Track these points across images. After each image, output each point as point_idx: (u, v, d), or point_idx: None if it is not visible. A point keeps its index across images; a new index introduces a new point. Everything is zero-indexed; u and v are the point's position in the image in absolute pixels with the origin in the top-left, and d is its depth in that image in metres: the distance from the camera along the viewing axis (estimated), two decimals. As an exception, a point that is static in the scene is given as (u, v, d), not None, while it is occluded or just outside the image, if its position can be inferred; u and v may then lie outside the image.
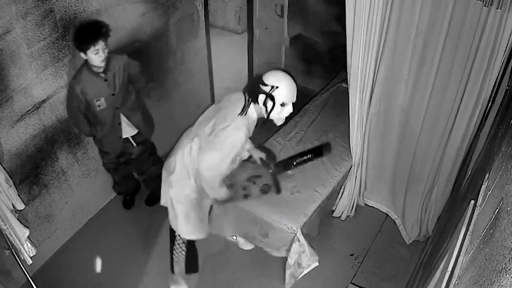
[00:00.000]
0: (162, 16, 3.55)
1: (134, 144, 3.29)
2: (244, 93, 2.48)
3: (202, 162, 2.42)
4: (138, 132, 3.26)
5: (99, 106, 2.89)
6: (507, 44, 2.40)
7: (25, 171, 2.92)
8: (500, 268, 0.96)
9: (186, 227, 2.77)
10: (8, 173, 2.54)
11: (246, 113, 2.44)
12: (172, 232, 2.88)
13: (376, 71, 2.93)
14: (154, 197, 3.56)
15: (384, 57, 2.89)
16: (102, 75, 2.84)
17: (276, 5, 4.05)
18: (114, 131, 3.10)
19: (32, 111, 2.82)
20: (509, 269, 0.90)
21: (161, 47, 3.66)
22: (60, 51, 2.85)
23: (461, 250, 1.51)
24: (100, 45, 2.68)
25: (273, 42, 4.34)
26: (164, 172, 2.77)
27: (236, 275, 3.25)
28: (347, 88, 3.03)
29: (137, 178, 3.70)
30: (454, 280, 1.42)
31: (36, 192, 3.05)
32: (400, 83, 2.97)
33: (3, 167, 2.49)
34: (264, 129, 4.32)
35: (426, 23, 2.65)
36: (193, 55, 4.07)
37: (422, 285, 2.32)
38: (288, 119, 3.38)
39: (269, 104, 2.41)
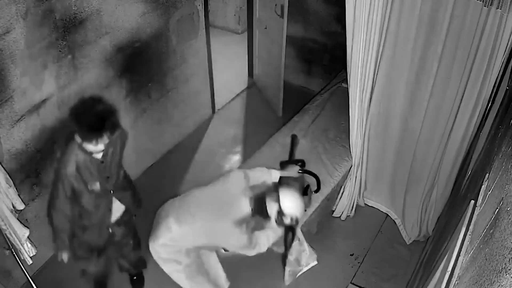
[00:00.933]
0: (162, 16, 3.55)
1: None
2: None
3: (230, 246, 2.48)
4: (124, 211, 2.75)
5: (92, 191, 2.41)
6: (507, 44, 2.40)
7: (25, 171, 2.92)
8: (500, 268, 0.96)
9: None
10: (8, 173, 2.53)
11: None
12: None
13: (376, 71, 2.93)
14: (139, 278, 3.22)
15: (384, 57, 2.89)
16: (98, 156, 2.35)
17: (276, 5, 4.05)
18: (103, 219, 2.59)
19: (32, 111, 2.82)
20: (509, 269, 0.90)
21: (161, 47, 3.66)
22: (60, 51, 2.84)
23: (461, 250, 1.51)
24: (104, 141, 2.21)
25: (273, 42, 4.34)
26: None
27: (238, 272, 3.25)
28: (347, 88, 3.03)
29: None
30: (454, 280, 1.42)
31: (36, 192, 3.05)
32: (400, 83, 2.97)
33: (3, 167, 2.49)
34: (264, 129, 4.34)
35: (426, 23, 2.65)
36: (193, 55, 4.07)
37: (422, 285, 2.32)
38: (288, 119, 3.40)
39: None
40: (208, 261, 2.77)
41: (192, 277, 2.62)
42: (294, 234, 2.80)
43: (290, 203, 2.34)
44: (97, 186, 2.40)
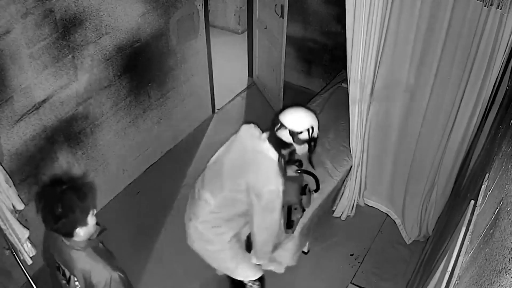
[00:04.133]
0: (162, 16, 3.55)
1: None
2: (270, 144, 2.22)
3: (261, 231, 2.30)
4: None
5: None
6: (507, 44, 2.40)
7: (25, 171, 2.92)
8: (500, 268, 0.96)
9: (248, 268, 2.56)
10: (8, 173, 2.53)
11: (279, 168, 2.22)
12: (236, 283, 2.65)
13: (376, 71, 2.93)
14: None
15: (384, 57, 2.89)
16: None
17: (276, 5, 4.05)
18: None
19: (32, 111, 2.82)
20: (509, 269, 0.90)
21: (161, 47, 3.66)
22: (60, 51, 2.85)
23: (461, 250, 1.51)
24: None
25: (273, 42, 4.34)
26: (193, 233, 2.55)
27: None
28: (347, 88, 3.03)
29: None
30: (454, 280, 1.42)
31: (36, 192, 3.05)
32: (400, 83, 2.97)
33: (3, 167, 2.49)
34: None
35: (426, 23, 2.65)
36: (193, 55, 4.08)
37: (422, 285, 2.32)
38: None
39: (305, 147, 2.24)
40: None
41: (237, 254, 2.53)
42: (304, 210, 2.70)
43: (295, 117, 2.20)
44: None
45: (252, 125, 2.40)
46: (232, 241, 2.47)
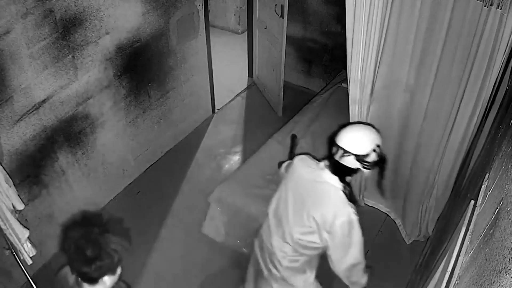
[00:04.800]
0: (162, 16, 3.55)
1: None
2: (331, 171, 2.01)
3: (342, 264, 2.05)
4: None
5: None
6: (507, 44, 2.40)
7: (25, 171, 2.92)
8: (500, 268, 0.96)
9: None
10: (8, 173, 2.53)
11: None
12: None
13: (376, 71, 2.93)
14: None
15: (384, 57, 2.89)
16: None
17: (276, 5, 4.05)
18: None
19: (32, 111, 2.82)
20: (509, 269, 0.90)
21: (161, 47, 3.66)
22: (60, 51, 2.85)
23: (461, 250, 1.51)
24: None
25: (273, 42, 4.34)
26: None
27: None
28: (347, 88, 3.03)
29: None
30: (454, 280, 1.42)
31: (36, 192, 3.05)
32: (400, 83, 2.97)
33: (3, 167, 2.49)
34: (264, 129, 4.34)
35: (426, 23, 2.65)
36: (193, 55, 4.08)
37: (422, 285, 2.32)
38: (288, 119, 3.38)
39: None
40: None
41: None
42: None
43: (356, 139, 1.96)
44: None
45: (304, 156, 2.21)
46: (314, 282, 2.33)
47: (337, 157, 1.95)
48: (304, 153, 2.27)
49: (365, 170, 1.96)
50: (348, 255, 2.01)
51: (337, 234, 1.96)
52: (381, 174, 2.06)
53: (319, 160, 2.12)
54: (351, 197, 2.00)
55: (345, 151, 1.92)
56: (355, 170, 1.96)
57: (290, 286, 2.29)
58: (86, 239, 1.56)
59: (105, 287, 1.67)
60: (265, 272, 2.34)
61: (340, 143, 1.95)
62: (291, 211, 2.11)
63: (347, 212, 1.94)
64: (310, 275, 2.30)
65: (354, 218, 1.94)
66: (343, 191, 1.99)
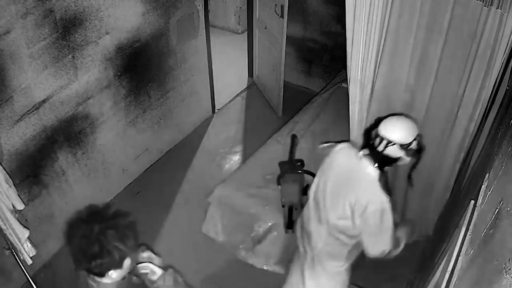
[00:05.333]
0: (162, 16, 3.55)
1: None
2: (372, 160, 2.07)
3: (373, 250, 2.16)
4: None
5: None
6: (507, 44, 2.40)
7: (25, 171, 2.92)
8: (500, 268, 0.96)
9: None
10: (8, 173, 2.53)
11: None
12: None
13: (376, 71, 2.93)
14: None
15: (384, 57, 2.89)
16: None
17: (276, 5, 4.05)
18: None
19: (32, 111, 2.82)
20: (509, 269, 0.90)
21: (161, 47, 3.66)
22: (60, 51, 2.85)
23: (461, 250, 1.51)
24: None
25: (273, 42, 4.34)
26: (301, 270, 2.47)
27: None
28: (347, 88, 3.03)
29: None
30: (454, 280, 1.42)
31: (36, 192, 3.05)
32: (400, 83, 2.97)
33: (3, 167, 2.49)
34: (264, 129, 4.34)
35: (426, 23, 2.65)
36: (193, 55, 4.08)
37: (422, 285, 2.32)
38: (288, 119, 3.37)
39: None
40: None
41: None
42: None
43: (400, 129, 2.02)
44: None
45: (345, 144, 2.27)
46: (345, 273, 2.42)
47: (380, 148, 2.01)
48: (345, 141, 2.35)
49: (406, 159, 2.04)
50: (380, 242, 2.11)
51: (369, 221, 2.04)
52: (415, 164, 2.14)
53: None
54: (386, 186, 2.07)
55: (389, 141, 1.99)
56: (396, 160, 2.04)
57: (320, 270, 2.38)
58: (88, 237, 1.56)
59: (112, 280, 1.67)
60: (301, 251, 2.45)
61: (384, 133, 2.01)
62: (329, 196, 2.19)
63: (380, 201, 2.01)
64: (343, 264, 2.36)
65: (387, 206, 2.02)
66: (379, 180, 2.05)
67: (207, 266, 3.30)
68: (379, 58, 2.88)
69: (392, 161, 2.05)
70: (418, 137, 2.07)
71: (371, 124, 2.19)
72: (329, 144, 2.49)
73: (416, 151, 2.07)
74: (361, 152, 2.11)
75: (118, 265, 1.63)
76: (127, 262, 1.66)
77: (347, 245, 2.29)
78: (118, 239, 1.59)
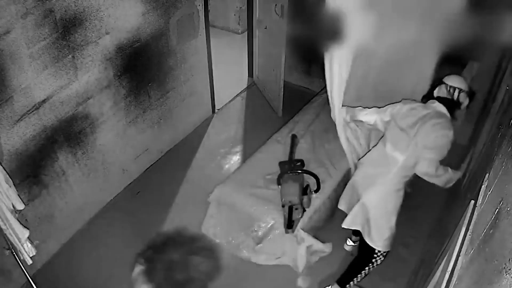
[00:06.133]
0: (162, 16, 3.55)
1: None
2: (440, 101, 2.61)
3: (442, 176, 2.57)
4: None
5: None
6: None
7: (25, 171, 2.92)
8: (500, 268, 0.96)
9: (389, 238, 2.77)
10: (8, 173, 2.53)
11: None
12: (365, 251, 2.87)
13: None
14: None
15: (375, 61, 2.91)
16: None
17: (276, 5, 4.05)
18: None
19: (32, 111, 2.82)
20: (509, 269, 0.90)
21: (161, 47, 3.66)
22: (60, 51, 2.85)
23: (461, 250, 1.51)
24: None
25: (273, 42, 4.34)
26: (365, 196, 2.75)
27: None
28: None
29: None
30: (454, 280, 1.42)
31: (36, 192, 3.05)
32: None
33: (3, 167, 2.49)
34: (264, 129, 4.34)
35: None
36: (193, 55, 4.08)
37: (422, 285, 2.32)
38: (288, 119, 3.34)
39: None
40: None
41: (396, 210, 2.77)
42: None
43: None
44: None
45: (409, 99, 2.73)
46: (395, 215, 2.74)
47: (455, 95, 2.58)
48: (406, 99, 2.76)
49: (466, 103, 2.62)
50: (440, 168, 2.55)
51: (438, 142, 2.50)
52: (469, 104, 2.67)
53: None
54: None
55: (461, 89, 2.58)
56: (460, 105, 2.60)
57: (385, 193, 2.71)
58: (172, 268, 1.47)
59: None
60: (365, 176, 2.79)
61: (457, 85, 2.59)
62: (407, 131, 2.61)
63: (449, 127, 2.51)
64: (402, 187, 2.72)
65: (452, 137, 2.51)
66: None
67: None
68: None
69: (459, 105, 2.59)
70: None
71: (433, 83, 2.79)
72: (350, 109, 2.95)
73: (471, 95, 2.63)
74: (431, 100, 2.62)
75: None
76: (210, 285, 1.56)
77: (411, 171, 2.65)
78: (202, 264, 1.50)
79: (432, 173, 2.54)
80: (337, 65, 2.78)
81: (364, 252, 2.86)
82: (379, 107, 2.83)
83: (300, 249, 3.01)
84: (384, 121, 2.77)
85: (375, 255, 2.83)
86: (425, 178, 2.58)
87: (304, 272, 3.13)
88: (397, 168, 2.64)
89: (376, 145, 2.88)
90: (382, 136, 2.82)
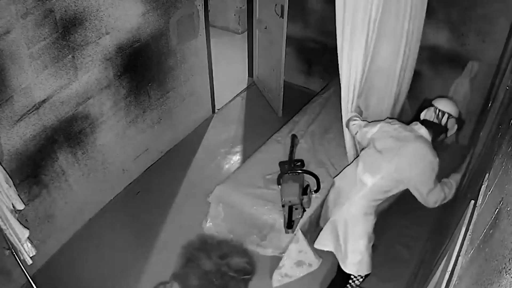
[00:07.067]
0: (162, 16, 3.55)
1: None
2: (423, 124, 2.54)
3: (431, 198, 2.47)
4: None
5: None
6: None
7: (25, 171, 2.92)
8: (500, 268, 0.96)
9: (367, 262, 2.66)
10: (8, 173, 2.53)
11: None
12: (343, 277, 2.76)
13: (365, 73, 2.93)
14: None
15: (375, 59, 2.90)
16: None
17: (276, 5, 4.05)
18: None
19: (32, 111, 2.82)
20: (509, 269, 0.90)
21: (161, 47, 3.66)
22: (60, 51, 2.85)
23: (461, 250, 1.51)
24: None
25: (273, 42, 4.34)
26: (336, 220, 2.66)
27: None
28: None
29: None
30: (454, 280, 1.42)
31: (36, 192, 3.05)
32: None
33: (3, 167, 2.49)
34: (264, 129, 4.34)
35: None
36: (193, 55, 4.08)
37: (422, 285, 2.32)
38: (288, 119, 3.31)
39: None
40: None
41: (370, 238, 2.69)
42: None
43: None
44: None
45: (393, 119, 2.70)
46: (371, 237, 2.64)
47: (444, 120, 2.49)
48: (392, 118, 2.76)
49: (454, 129, 2.55)
50: (435, 192, 2.44)
51: (424, 174, 2.41)
52: (458, 132, 2.62)
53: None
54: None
55: (450, 115, 2.50)
56: (447, 131, 2.53)
57: (353, 228, 2.60)
58: (210, 273, 1.46)
59: None
60: (337, 204, 2.67)
61: (446, 109, 2.51)
62: (376, 159, 2.51)
63: (433, 154, 2.41)
64: (373, 218, 2.63)
65: (437, 161, 2.42)
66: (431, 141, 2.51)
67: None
68: (368, 59, 2.88)
69: (446, 132, 2.51)
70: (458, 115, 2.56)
71: (421, 105, 2.66)
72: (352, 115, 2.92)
73: (461, 123, 2.57)
74: (415, 122, 2.54)
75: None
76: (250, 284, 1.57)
77: (381, 195, 2.56)
78: (239, 266, 1.50)
79: (424, 199, 2.46)
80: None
81: (341, 273, 2.74)
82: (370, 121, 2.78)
83: (291, 247, 2.99)
84: (366, 138, 2.65)
85: (352, 277, 2.71)
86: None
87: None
88: (364, 191, 2.50)
89: (351, 162, 2.80)
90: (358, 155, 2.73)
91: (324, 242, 2.74)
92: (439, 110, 2.50)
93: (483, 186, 1.71)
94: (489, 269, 1.05)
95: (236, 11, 5.96)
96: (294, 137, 3.48)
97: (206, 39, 4.17)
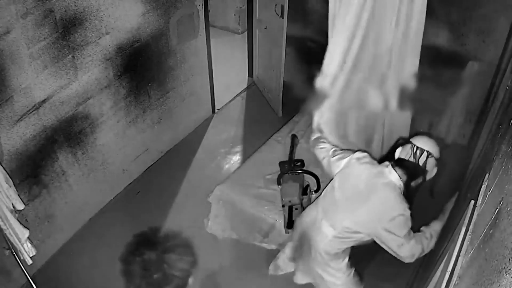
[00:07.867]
0: (162, 16, 3.55)
1: None
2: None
3: (404, 253, 2.23)
4: None
5: None
6: None
7: (25, 171, 2.92)
8: (500, 268, 0.96)
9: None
10: (8, 173, 2.53)
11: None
12: None
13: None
14: None
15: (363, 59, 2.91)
16: None
17: (276, 5, 4.05)
18: None
19: (32, 111, 2.82)
20: (509, 269, 0.90)
21: (161, 47, 3.66)
22: (60, 51, 2.84)
23: (461, 250, 1.51)
24: None
25: (273, 42, 4.34)
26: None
27: (228, 272, 3.26)
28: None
29: None
30: (454, 280, 1.42)
31: (36, 192, 3.05)
32: None
33: (3, 167, 2.49)
34: (264, 129, 4.34)
35: None
36: (193, 55, 4.08)
37: (422, 285, 2.32)
38: (288, 119, 3.32)
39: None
40: None
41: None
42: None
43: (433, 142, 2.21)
44: None
45: (364, 154, 2.36)
46: (348, 266, 2.53)
47: (422, 159, 2.14)
48: (363, 150, 2.43)
49: (434, 172, 2.19)
50: (409, 247, 2.18)
51: (392, 230, 2.15)
52: (435, 179, 2.26)
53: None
54: (409, 197, 2.20)
55: (429, 154, 2.15)
56: (425, 173, 2.16)
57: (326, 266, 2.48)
58: (149, 268, 1.49)
59: None
60: (304, 246, 2.53)
61: (426, 147, 2.16)
62: (344, 202, 2.29)
63: (403, 207, 2.14)
64: (346, 260, 2.51)
65: (409, 213, 2.14)
66: (401, 189, 2.20)
67: (208, 265, 3.29)
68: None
69: (423, 173, 2.15)
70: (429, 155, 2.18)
71: (396, 142, 2.34)
72: (318, 136, 2.69)
73: (441, 166, 2.21)
74: (386, 163, 2.24)
75: (184, 285, 1.57)
76: (191, 280, 1.60)
77: (348, 243, 2.38)
78: (178, 261, 1.53)
79: (396, 255, 2.23)
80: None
81: None
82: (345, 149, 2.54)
83: (288, 245, 2.99)
84: (332, 171, 2.46)
85: None
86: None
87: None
88: (326, 242, 2.36)
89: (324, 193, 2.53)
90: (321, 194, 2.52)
91: (303, 278, 2.74)
92: (417, 148, 2.15)
93: (483, 186, 1.71)
94: (489, 269, 1.05)
95: (236, 11, 5.96)
96: (294, 137, 3.48)
97: (206, 39, 4.17)
